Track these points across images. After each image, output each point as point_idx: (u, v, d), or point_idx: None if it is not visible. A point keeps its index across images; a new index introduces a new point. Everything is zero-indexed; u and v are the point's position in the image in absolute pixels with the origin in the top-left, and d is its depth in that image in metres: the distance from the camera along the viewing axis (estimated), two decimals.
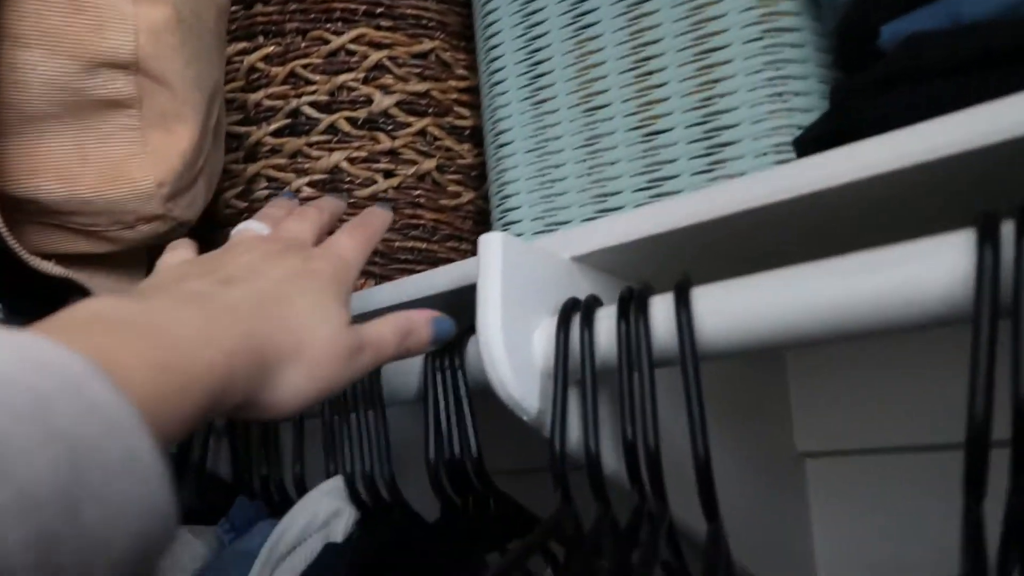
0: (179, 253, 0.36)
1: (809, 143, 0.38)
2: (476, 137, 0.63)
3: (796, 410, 0.60)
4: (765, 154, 0.42)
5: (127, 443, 0.21)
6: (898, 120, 0.32)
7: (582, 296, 0.41)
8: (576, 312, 0.40)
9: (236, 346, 0.28)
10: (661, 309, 0.37)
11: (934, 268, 0.28)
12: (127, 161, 0.39)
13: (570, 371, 0.39)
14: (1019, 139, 0.30)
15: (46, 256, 0.39)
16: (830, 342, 0.33)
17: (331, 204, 0.43)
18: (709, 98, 0.45)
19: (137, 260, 0.47)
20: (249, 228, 0.38)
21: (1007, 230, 0.27)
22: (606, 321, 0.38)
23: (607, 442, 0.38)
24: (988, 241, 0.26)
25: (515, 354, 0.39)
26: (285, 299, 0.32)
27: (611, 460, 0.38)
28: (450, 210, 0.61)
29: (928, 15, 0.35)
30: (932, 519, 0.50)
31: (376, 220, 0.43)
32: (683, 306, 0.35)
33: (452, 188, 0.62)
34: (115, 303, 0.26)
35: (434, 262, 0.60)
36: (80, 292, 0.42)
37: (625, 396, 0.36)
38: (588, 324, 0.38)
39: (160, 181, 0.40)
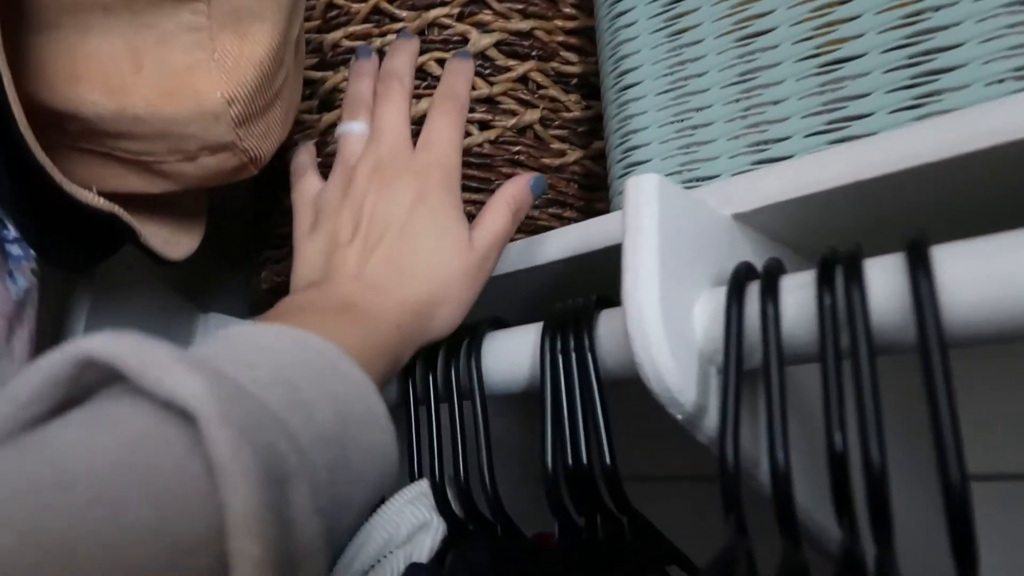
0: (311, 182, 0.42)
1: None
2: (585, 87, 0.54)
3: (965, 428, 0.50)
4: (1001, 80, 0.32)
5: (368, 404, 0.30)
6: None
7: (746, 261, 0.32)
8: (753, 281, 0.31)
9: (400, 317, 0.36)
10: (882, 276, 0.27)
11: None
12: (190, 69, 0.31)
13: (741, 359, 0.30)
14: None
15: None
16: None
17: (406, 53, 0.46)
18: (915, 14, 0.35)
19: (196, 207, 0.40)
20: (351, 131, 0.43)
21: None
22: (797, 292, 0.29)
23: (798, 455, 0.29)
24: None
25: (673, 333, 0.30)
26: (416, 244, 0.38)
27: (803, 480, 0.29)
28: (554, 170, 0.53)
29: None
30: None
31: (461, 80, 0.45)
32: (922, 270, 0.26)
33: (556, 145, 0.53)
34: (315, 296, 0.36)
35: (533, 231, 0.51)
36: (126, 236, 0.34)
37: (832, 391, 0.27)
38: (772, 296, 0.29)
39: (231, 97, 0.32)
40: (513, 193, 0.42)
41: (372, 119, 0.43)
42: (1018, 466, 0.50)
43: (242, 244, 0.59)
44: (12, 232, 0.31)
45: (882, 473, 0.25)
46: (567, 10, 0.54)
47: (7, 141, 0.27)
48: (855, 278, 0.27)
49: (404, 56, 0.45)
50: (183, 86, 0.31)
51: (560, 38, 0.54)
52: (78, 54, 0.29)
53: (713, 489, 0.28)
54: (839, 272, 0.28)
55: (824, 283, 0.28)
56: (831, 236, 0.36)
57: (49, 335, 0.41)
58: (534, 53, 0.53)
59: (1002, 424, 0.51)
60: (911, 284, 0.26)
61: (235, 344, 0.27)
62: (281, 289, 0.55)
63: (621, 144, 0.45)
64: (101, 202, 0.32)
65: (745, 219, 0.36)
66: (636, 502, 0.36)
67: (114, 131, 0.32)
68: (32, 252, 0.32)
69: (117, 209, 0.32)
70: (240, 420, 0.22)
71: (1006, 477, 0.50)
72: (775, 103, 0.39)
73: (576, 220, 0.52)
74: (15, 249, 0.31)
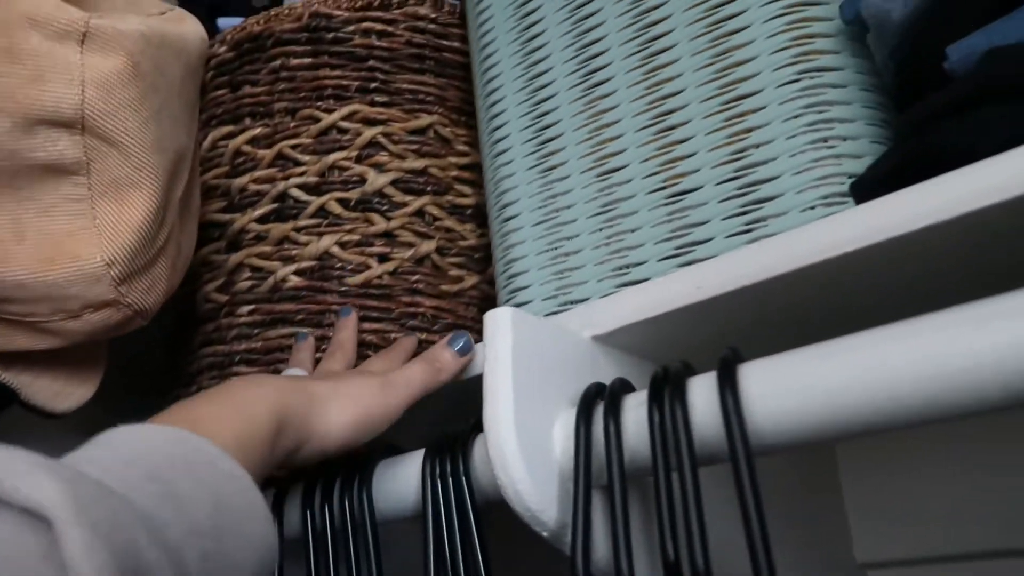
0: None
1: (871, 185, 0.33)
2: (479, 217, 0.58)
3: (852, 517, 0.53)
4: (812, 207, 0.37)
5: (248, 496, 0.32)
6: (988, 147, 0.27)
7: (606, 381, 0.35)
8: (600, 400, 0.34)
9: (285, 397, 0.38)
10: (702, 393, 0.31)
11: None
12: (71, 236, 0.34)
13: (595, 472, 0.32)
14: None
15: None
16: (919, 425, 0.27)
17: (348, 330, 0.52)
18: (742, 150, 0.40)
19: (91, 357, 0.42)
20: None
21: None
22: (636, 410, 0.32)
23: (642, 559, 0.31)
24: None
25: (531, 454, 0.33)
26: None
27: None
28: (452, 296, 0.56)
29: (1006, 28, 0.31)
30: None
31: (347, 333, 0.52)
32: (729, 388, 0.29)
33: (454, 272, 0.57)
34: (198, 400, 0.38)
35: None
36: (15, 399, 0.36)
37: (663, 503, 0.30)
38: (614, 414, 0.32)
39: (110, 259, 0.35)
40: (430, 352, 0.46)
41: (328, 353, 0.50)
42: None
43: (153, 382, 0.61)
44: None
45: (707, 573, 0.28)
46: (460, 147, 0.59)
47: None
48: (679, 396, 0.31)
49: (347, 332, 0.51)
50: (64, 253, 0.34)
51: (454, 173, 0.59)
52: None
53: None
54: (667, 390, 0.31)
55: (654, 401, 0.31)
56: (690, 348, 0.39)
57: None
58: (429, 188, 0.57)
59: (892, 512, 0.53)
60: (720, 400, 0.29)
61: (116, 445, 0.30)
62: None
63: (504, 271, 0.49)
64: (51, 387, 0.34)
65: (604, 340, 0.39)
66: None
67: (4, 297, 0.34)
68: None
69: (12, 381, 0.35)
70: (97, 520, 0.24)
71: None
72: (632, 230, 0.43)
73: (476, 341, 0.56)
74: None
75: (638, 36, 0.45)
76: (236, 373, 0.54)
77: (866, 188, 0.33)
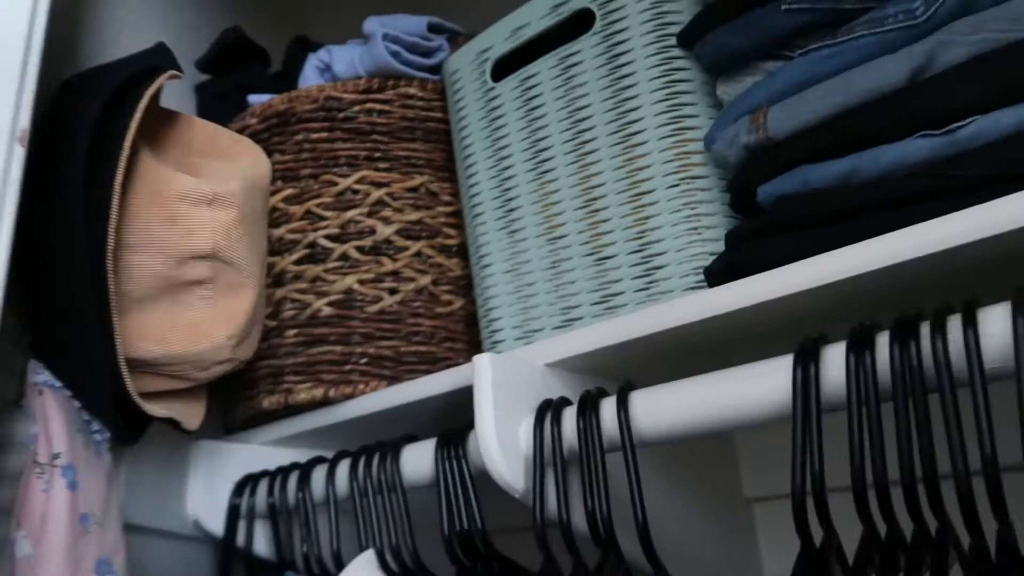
0: None
1: (716, 274, 0.53)
2: (462, 252, 0.78)
3: (742, 459, 0.74)
4: (686, 276, 0.57)
5: None
6: (777, 261, 0.47)
7: (557, 395, 0.56)
8: (549, 411, 0.54)
9: None
10: (608, 408, 0.51)
11: (770, 381, 0.43)
12: (205, 323, 0.53)
13: (546, 458, 0.53)
14: (856, 277, 0.45)
15: (140, 395, 0.53)
16: (726, 431, 0.48)
17: None
18: (643, 232, 0.60)
19: (200, 394, 0.61)
20: None
21: (828, 353, 0.42)
22: (571, 418, 0.53)
23: (576, 511, 0.52)
24: (800, 363, 0.41)
25: (506, 447, 0.54)
26: None
27: (580, 524, 0.52)
28: (445, 316, 0.76)
29: (787, 180, 0.51)
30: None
31: None
32: (623, 408, 0.50)
33: (445, 298, 0.77)
34: None
35: (434, 361, 0.74)
36: (172, 424, 0.56)
37: (585, 475, 0.50)
38: (557, 422, 0.53)
39: (230, 335, 0.54)
40: None
41: None
42: None
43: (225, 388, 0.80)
44: (96, 425, 0.52)
45: (609, 517, 0.48)
46: (445, 198, 0.78)
47: (112, 382, 0.49)
48: (595, 411, 0.51)
49: None
50: (202, 334, 0.53)
51: (442, 220, 0.78)
52: (141, 324, 0.51)
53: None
54: (588, 408, 0.52)
55: (580, 413, 0.52)
56: (610, 370, 0.59)
57: None
58: (424, 234, 0.76)
59: None
60: (617, 415, 0.49)
61: None
62: (256, 420, 0.77)
63: (483, 306, 0.69)
64: (162, 412, 0.53)
65: (553, 366, 0.59)
66: (506, 546, 0.58)
67: (162, 363, 0.53)
68: (108, 437, 0.53)
69: (174, 415, 0.54)
70: None
71: None
72: (572, 283, 0.63)
73: (465, 351, 0.76)
74: (97, 436, 0.52)
75: (574, 139, 0.64)
76: (287, 381, 0.74)
77: (713, 277, 0.53)
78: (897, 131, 0.46)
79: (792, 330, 0.47)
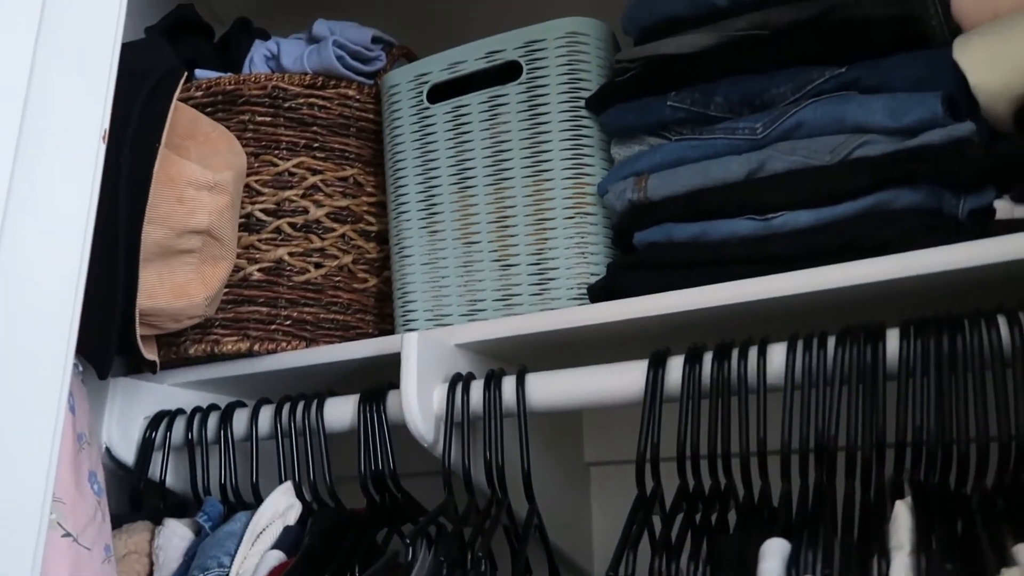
0: None
1: (596, 293, 0.73)
2: (380, 238, 0.93)
3: (585, 433, 0.95)
4: (572, 289, 0.76)
5: None
6: (643, 290, 0.67)
7: (464, 371, 0.74)
8: (459, 383, 0.72)
9: None
10: (508, 385, 0.70)
11: (630, 376, 0.63)
12: (188, 284, 0.66)
13: (455, 418, 0.71)
14: (694, 311, 0.66)
15: None
16: (595, 408, 0.68)
17: None
18: (542, 249, 0.78)
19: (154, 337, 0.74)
20: None
21: (672, 362, 0.63)
22: (477, 389, 0.71)
23: (477, 461, 0.70)
24: (653, 368, 0.61)
25: (423, 407, 0.71)
26: None
27: (479, 473, 0.71)
28: (360, 292, 0.92)
29: (656, 231, 0.71)
30: None
31: None
32: (520, 385, 0.69)
33: (361, 275, 0.92)
34: None
35: (347, 328, 0.90)
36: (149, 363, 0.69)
37: (487, 435, 0.69)
38: (466, 391, 0.71)
39: (206, 296, 0.67)
40: None
41: None
42: None
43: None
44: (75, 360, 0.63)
45: (502, 467, 0.67)
46: (370, 190, 0.93)
47: (124, 325, 0.61)
48: (497, 385, 0.70)
49: None
50: (184, 293, 0.66)
51: (365, 208, 0.93)
52: (142, 282, 0.63)
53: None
54: (492, 382, 0.70)
55: (486, 386, 0.70)
56: (507, 353, 0.78)
57: None
58: (349, 219, 0.91)
59: None
60: (515, 390, 0.68)
61: None
62: (173, 363, 0.89)
63: (400, 290, 0.85)
64: (152, 357, 0.66)
65: (462, 347, 0.77)
66: (409, 488, 0.76)
67: (150, 314, 0.65)
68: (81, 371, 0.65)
69: (153, 357, 0.66)
70: None
71: None
72: (479, 281, 0.81)
73: (373, 323, 0.91)
74: (79, 368, 0.64)
75: (494, 165, 0.82)
76: (215, 333, 0.87)
77: (593, 294, 0.73)
78: (733, 211, 0.68)
79: (648, 341, 0.68)
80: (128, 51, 0.54)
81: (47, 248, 0.45)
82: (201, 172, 0.64)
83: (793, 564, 0.51)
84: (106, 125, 0.50)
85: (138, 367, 0.84)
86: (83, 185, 0.47)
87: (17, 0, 0.45)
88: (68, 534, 0.53)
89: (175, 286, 0.66)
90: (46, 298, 0.44)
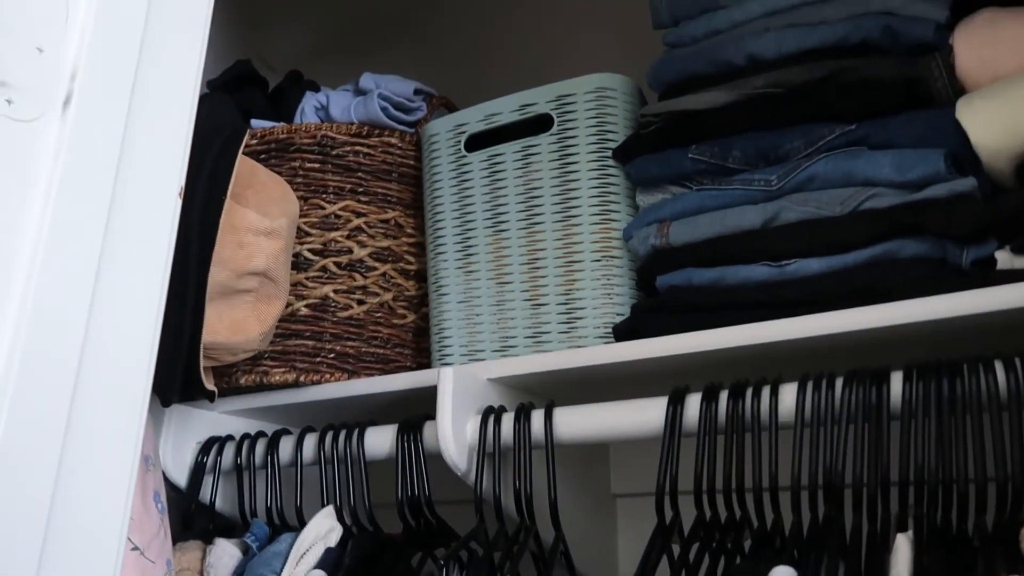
0: None
1: (621, 332, 0.78)
2: (418, 276, 0.99)
3: (612, 466, 1.00)
4: (598, 328, 0.82)
5: None
6: (665, 331, 0.73)
7: (495, 404, 0.79)
8: (491, 415, 0.77)
9: None
10: (537, 418, 0.75)
11: (650, 412, 0.68)
12: (244, 320, 0.73)
13: (487, 448, 0.76)
14: (711, 351, 0.70)
15: None
16: (616, 441, 0.73)
17: None
18: (570, 290, 0.84)
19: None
20: None
21: (690, 399, 0.68)
22: (508, 422, 0.77)
23: (507, 489, 0.76)
24: (672, 404, 0.66)
25: (457, 437, 0.77)
26: None
27: (508, 501, 0.76)
28: (399, 327, 0.98)
29: (677, 275, 0.76)
30: None
31: None
32: (548, 419, 0.74)
33: (400, 312, 0.98)
34: None
35: (387, 361, 0.96)
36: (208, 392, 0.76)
37: (516, 465, 0.74)
38: (497, 424, 0.77)
39: (261, 332, 0.74)
40: None
41: None
42: None
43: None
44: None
45: (530, 496, 0.72)
46: (409, 231, 1.00)
47: (189, 357, 0.68)
48: (527, 418, 0.75)
49: None
50: (241, 329, 0.73)
51: (405, 248, 0.99)
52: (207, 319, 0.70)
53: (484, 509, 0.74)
54: (522, 416, 0.75)
55: (516, 419, 0.75)
56: (538, 388, 0.83)
57: None
58: (390, 259, 0.98)
59: None
60: (544, 423, 0.73)
61: None
62: (225, 392, 0.96)
63: (436, 327, 0.91)
64: (211, 387, 0.72)
65: (494, 382, 0.83)
66: (447, 514, 0.81)
67: (210, 347, 0.72)
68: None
69: (212, 387, 0.73)
70: None
71: None
72: (511, 319, 0.87)
73: (411, 356, 0.97)
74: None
75: (527, 210, 0.88)
76: (264, 364, 0.93)
77: (619, 334, 0.78)
78: (749, 258, 0.73)
79: (668, 378, 0.73)
80: (199, 109, 0.61)
81: (133, 295, 0.51)
82: (260, 219, 0.71)
83: None
84: (182, 183, 0.56)
85: (191, 395, 0.91)
86: (162, 237, 0.54)
87: (114, 75, 0.52)
88: (136, 548, 0.60)
89: (233, 322, 0.73)
90: (130, 338, 0.51)
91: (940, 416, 0.60)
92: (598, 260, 0.83)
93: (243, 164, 0.78)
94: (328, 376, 0.93)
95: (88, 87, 0.51)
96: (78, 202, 0.50)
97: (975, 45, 0.69)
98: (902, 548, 0.56)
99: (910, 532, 0.57)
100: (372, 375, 0.94)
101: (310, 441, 0.89)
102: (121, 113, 0.52)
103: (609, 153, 0.85)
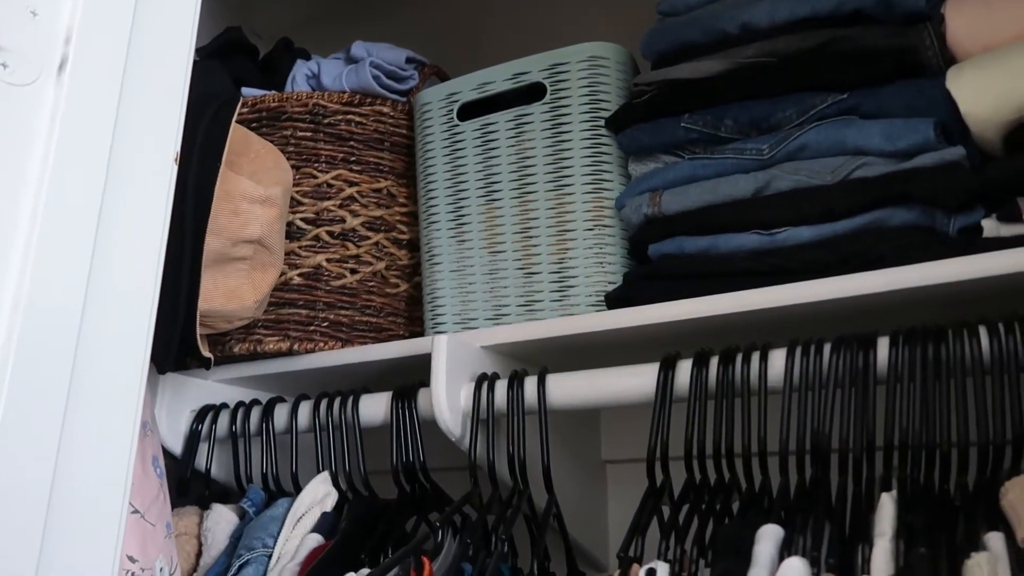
0: None
1: (613, 300, 0.79)
2: (411, 246, 1.00)
3: (603, 433, 1.02)
4: (591, 296, 0.83)
5: None
6: (656, 299, 0.74)
7: (489, 371, 0.80)
8: (484, 382, 0.78)
9: None
10: (530, 384, 0.76)
11: (642, 378, 0.69)
12: (239, 287, 0.73)
13: (480, 414, 0.78)
14: (702, 318, 0.72)
15: None
16: (608, 407, 0.74)
17: None
18: (563, 259, 0.85)
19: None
20: None
21: (681, 365, 0.69)
22: (501, 388, 0.78)
23: (500, 455, 0.77)
24: (663, 370, 0.67)
25: (451, 404, 0.78)
26: None
27: (502, 466, 0.77)
28: (391, 296, 0.98)
29: (669, 244, 0.77)
30: None
31: None
32: (541, 385, 0.75)
33: (393, 281, 0.99)
34: None
35: (380, 330, 0.97)
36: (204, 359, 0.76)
37: (511, 431, 0.75)
38: (491, 390, 0.78)
39: (256, 300, 0.74)
40: None
41: None
42: None
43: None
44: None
45: (524, 460, 0.74)
46: (402, 200, 1.00)
47: (186, 325, 0.68)
48: (520, 384, 0.76)
49: None
50: (236, 296, 0.73)
51: (397, 218, 1.00)
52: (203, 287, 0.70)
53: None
54: (515, 382, 0.76)
55: (510, 385, 0.76)
56: (530, 355, 0.84)
57: None
58: (382, 228, 0.98)
59: None
60: (537, 388, 0.75)
61: None
62: (219, 360, 0.96)
63: (430, 295, 0.92)
64: (207, 355, 0.73)
65: (487, 349, 0.84)
66: (440, 480, 0.82)
67: (205, 314, 0.73)
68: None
69: (208, 354, 0.74)
70: None
71: None
72: (504, 287, 0.87)
73: (404, 325, 0.98)
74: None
75: (519, 179, 0.88)
76: (257, 333, 0.94)
77: (611, 302, 0.79)
78: (740, 226, 0.74)
79: (660, 345, 0.74)
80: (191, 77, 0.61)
81: (131, 258, 0.52)
82: (254, 187, 0.72)
83: (786, 547, 0.57)
84: (178, 148, 0.57)
85: (185, 363, 0.92)
86: (159, 202, 0.54)
87: (108, 39, 0.52)
88: (136, 511, 0.61)
89: (228, 290, 0.73)
90: (130, 302, 0.51)
91: (925, 380, 0.61)
92: (590, 229, 0.84)
93: (237, 132, 0.78)
94: (322, 345, 0.94)
95: (83, 50, 0.51)
96: (75, 166, 0.50)
97: (966, 15, 0.70)
98: (886, 506, 0.57)
99: (894, 492, 0.59)
100: (366, 344, 0.94)
101: (305, 408, 0.90)
102: (116, 76, 0.52)
103: (602, 122, 0.85)
